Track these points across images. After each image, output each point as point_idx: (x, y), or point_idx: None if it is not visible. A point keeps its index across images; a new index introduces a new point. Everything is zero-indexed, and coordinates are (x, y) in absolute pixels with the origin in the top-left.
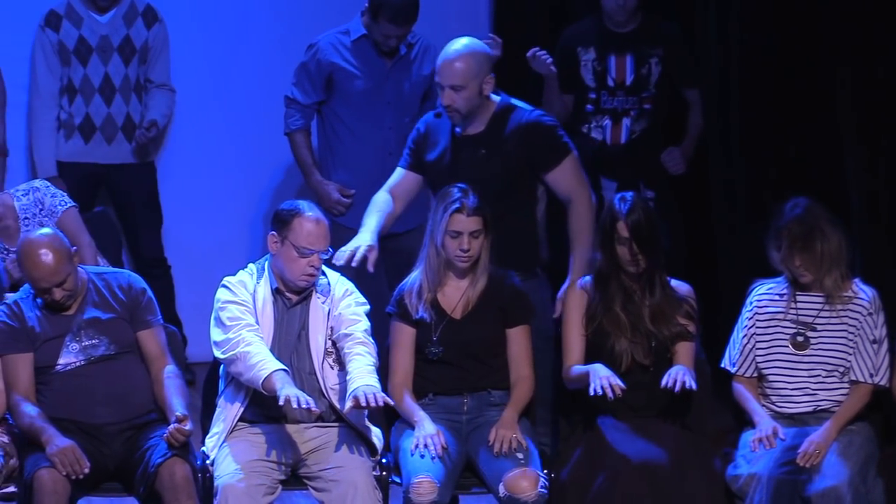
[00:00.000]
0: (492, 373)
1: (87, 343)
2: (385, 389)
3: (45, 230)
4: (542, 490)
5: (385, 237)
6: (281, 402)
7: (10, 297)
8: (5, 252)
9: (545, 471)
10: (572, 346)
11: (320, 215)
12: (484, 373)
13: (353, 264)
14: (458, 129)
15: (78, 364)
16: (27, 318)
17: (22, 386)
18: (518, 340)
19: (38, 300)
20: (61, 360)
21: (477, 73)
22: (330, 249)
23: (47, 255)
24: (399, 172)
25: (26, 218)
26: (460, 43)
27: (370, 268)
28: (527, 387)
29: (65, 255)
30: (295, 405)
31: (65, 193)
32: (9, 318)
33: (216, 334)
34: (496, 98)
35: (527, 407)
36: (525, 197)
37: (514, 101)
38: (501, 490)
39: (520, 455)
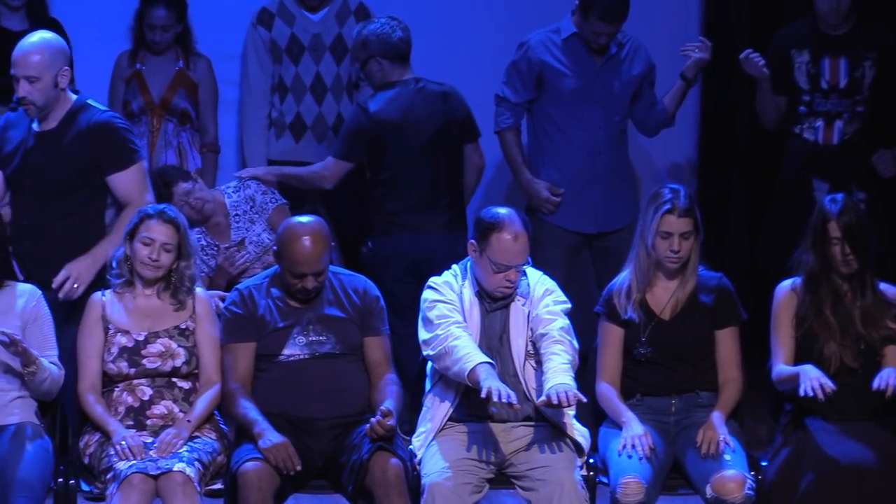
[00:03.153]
0: (700, 374)
1: (313, 338)
2: (591, 389)
3: (308, 217)
4: (749, 492)
5: (594, 236)
6: (483, 395)
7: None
8: (215, 248)
9: (752, 472)
10: (781, 346)
11: (519, 229)
12: (692, 374)
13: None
14: (35, 125)
15: (301, 357)
16: (258, 306)
17: (240, 374)
18: (727, 342)
19: (274, 290)
20: (285, 351)
21: (51, 65)
22: (529, 260)
23: (315, 244)
24: None
25: (236, 215)
26: (36, 36)
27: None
28: (735, 388)
29: (327, 245)
30: (496, 398)
31: (275, 191)
32: (236, 305)
33: (424, 333)
34: (73, 96)
35: (735, 408)
36: (93, 197)
37: (91, 101)
38: (708, 491)
39: (727, 456)
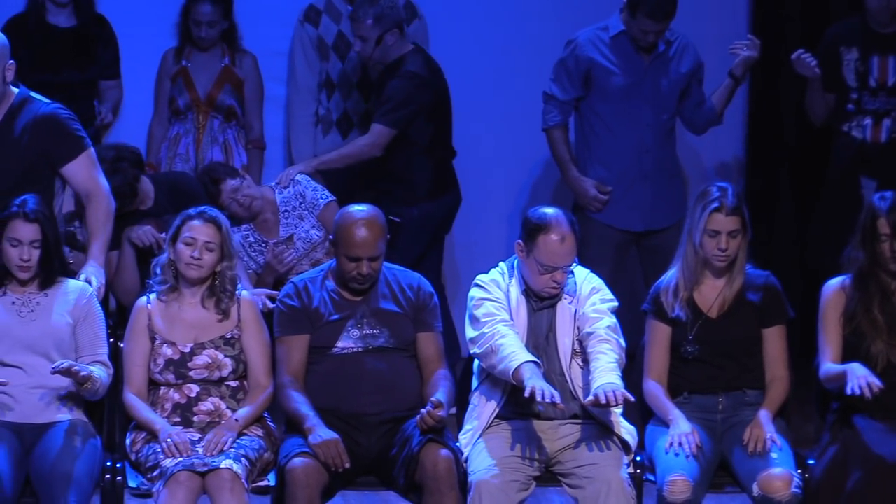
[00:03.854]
0: (747, 372)
1: (367, 332)
2: (638, 386)
3: (365, 206)
4: (796, 490)
5: (642, 234)
6: (526, 394)
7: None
8: (263, 244)
9: (799, 470)
10: (829, 344)
11: (566, 230)
12: (739, 372)
13: None
14: None
15: (354, 350)
16: (314, 298)
17: (293, 367)
18: (774, 340)
19: (329, 283)
20: (339, 343)
21: None
22: (575, 261)
23: (371, 228)
24: None
25: (286, 211)
26: None
27: None
28: (782, 387)
29: (383, 232)
30: (539, 398)
31: (324, 187)
32: (291, 298)
33: (471, 331)
34: (15, 90)
35: (782, 407)
36: (42, 190)
37: (33, 94)
38: (755, 490)
39: (774, 455)
